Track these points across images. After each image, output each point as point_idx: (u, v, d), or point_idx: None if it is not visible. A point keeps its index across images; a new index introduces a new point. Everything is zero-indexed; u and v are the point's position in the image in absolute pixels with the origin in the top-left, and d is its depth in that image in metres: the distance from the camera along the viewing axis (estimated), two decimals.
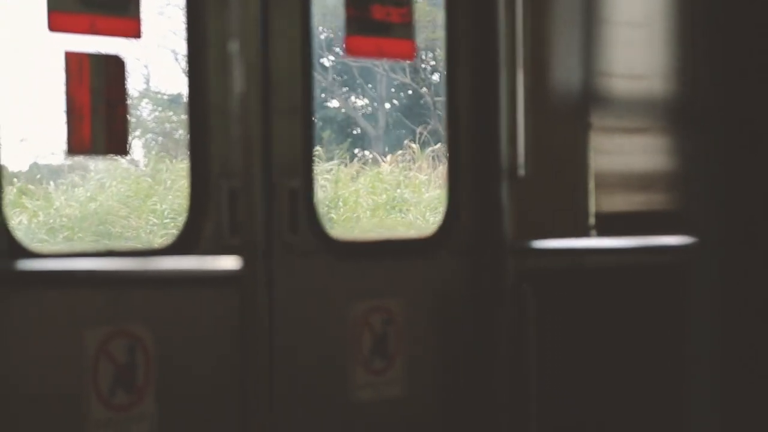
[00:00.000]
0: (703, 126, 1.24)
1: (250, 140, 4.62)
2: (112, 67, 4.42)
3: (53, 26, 4.29)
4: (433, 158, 18.42)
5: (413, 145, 18.94)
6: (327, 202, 16.96)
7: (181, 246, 4.68)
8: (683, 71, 1.25)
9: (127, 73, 4.46)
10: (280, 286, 4.82)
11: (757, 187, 1.23)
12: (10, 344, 4.25)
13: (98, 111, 4.36)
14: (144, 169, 17.23)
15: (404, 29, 5.27)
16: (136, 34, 4.50)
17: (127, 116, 4.49)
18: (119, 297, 4.49)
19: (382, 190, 17.92)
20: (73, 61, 4.33)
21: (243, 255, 4.42)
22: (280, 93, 4.83)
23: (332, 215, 16.93)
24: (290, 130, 4.87)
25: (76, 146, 4.35)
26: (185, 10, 4.76)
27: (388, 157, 19.15)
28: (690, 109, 1.25)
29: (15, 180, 15.65)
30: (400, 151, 19.20)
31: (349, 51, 5.28)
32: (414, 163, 18.90)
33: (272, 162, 4.80)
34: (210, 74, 4.69)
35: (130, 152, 4.56)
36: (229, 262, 4.41)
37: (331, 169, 18.14)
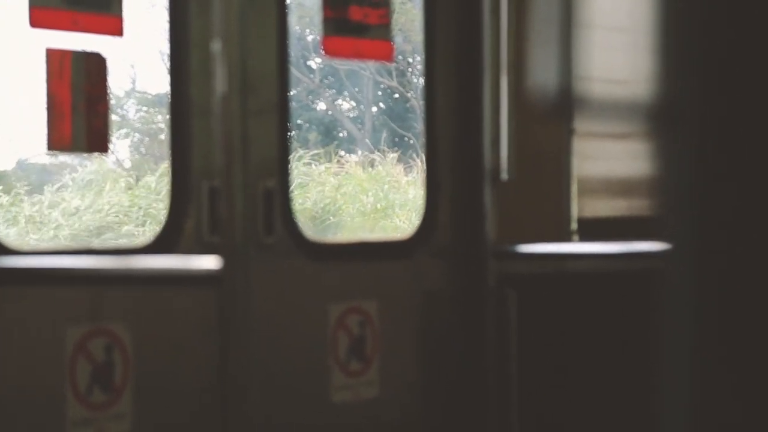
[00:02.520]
0: (679, 131, 1.24)
1: (231, 140, 4.62)
2: (94, 65, 4.41)
3: (34, 22, 4.27)
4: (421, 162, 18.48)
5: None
6: (322, 206, 16.95)
7: (161, 245, 4.67)
8: (663, 76, 1.25)
9: (108, 71, 4.45)
10: (257, 287, 4.81)
11: (733, 193, 1.22)
12: None
13: (79, 108, 4.34)
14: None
15: (382, 30, 5.27)
16: (119, 31, 4.48)
17: (109, 114, 4.48)
18: (98, 295, 4.48)
19: (368, 191, 17.94)
20: (55, 57, 4.31)
21: (222, 255, 4.41)
22: (257, 93, 4.82)
23: (331, 218, 16.91)
24: (267, 130, 4.86)
25: (56, 143, 4.34)
26: (168, 9, 4.75)
27: (388, 157, 19.16)
28: (667, 115, 1.25)
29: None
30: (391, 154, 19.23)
31: (327, 51, 5.29)
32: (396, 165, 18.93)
33: (250, 162, 4.79)
34: (192, 74, 4.69)
35: (111, 150, 4.54)
36: (209, 262, 4.40)
37: (319, 173, 18.15)
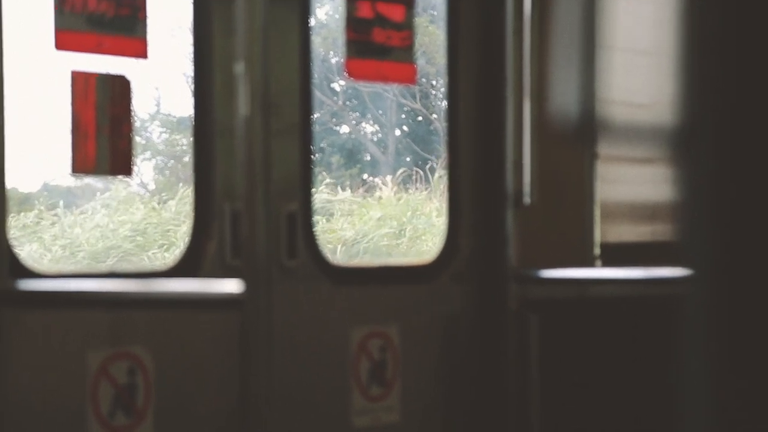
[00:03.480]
0: (699, 156, 1.24)
1: (253, 162, 4.63)
2: (118, 87, 4.43)
3: (60, 45, 4.30)
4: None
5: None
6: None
7: (184, 268, 4.68)
8: (684, 100, 1.25)
9: (132, 93, 4.46)
10: (279, 311, 4.81)
11: (754, 219, 1.22)
12: (11, 364, 4.24)
13: (103, 130, 4.36)
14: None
15: (404, 53, 5.28)
16: (143, 54, 4.50)
17: (133, 136, 4.49)
18: (121, 318, 4.49)
19: (393, 217, 17.91)
20: (80, 80, 4.33)
21: (244, 278, 4.41)
22: (280, 114, 4.83)
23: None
24: (289, 151, 4.87)
25: (80, 165, 4.35)
26: (192, 30, 4.77)
27: (390, 179, 19.14)
28: (688, 140, 1.25)
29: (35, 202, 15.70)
30: (401, 174, 19.20)
31: (350, 73, 5.30)
32: (423, 190, 18.90)
33: (272, 185, 4.80)
34: (216, 96, 4.70)
35: (134, 172, 4.56)
36: (231, 286, 4.40)
37: (343, 200, 18.14)
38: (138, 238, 15.22)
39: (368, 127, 23.29)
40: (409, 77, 5.50)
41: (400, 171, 19.25)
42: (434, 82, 22.44)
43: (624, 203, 5.94)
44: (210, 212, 4.69)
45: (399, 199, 18.36)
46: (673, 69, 1.25)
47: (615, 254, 5.78)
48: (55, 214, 15.58)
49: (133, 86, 4.48)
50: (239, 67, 4.57)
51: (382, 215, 17.53)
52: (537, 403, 5.36)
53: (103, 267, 13.73)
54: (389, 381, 5.23)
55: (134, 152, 4.54)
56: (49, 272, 4.58)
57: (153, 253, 15.13)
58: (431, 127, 22.84)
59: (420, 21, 19.07)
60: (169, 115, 20.19)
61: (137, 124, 19.15)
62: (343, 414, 5.09)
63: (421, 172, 19.40)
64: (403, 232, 17.40)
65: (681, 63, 1.24)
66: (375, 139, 23.13)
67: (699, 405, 1.26)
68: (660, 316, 4.93)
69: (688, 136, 1.25)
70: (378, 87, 21.39)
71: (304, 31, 4.97)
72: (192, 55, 4.81)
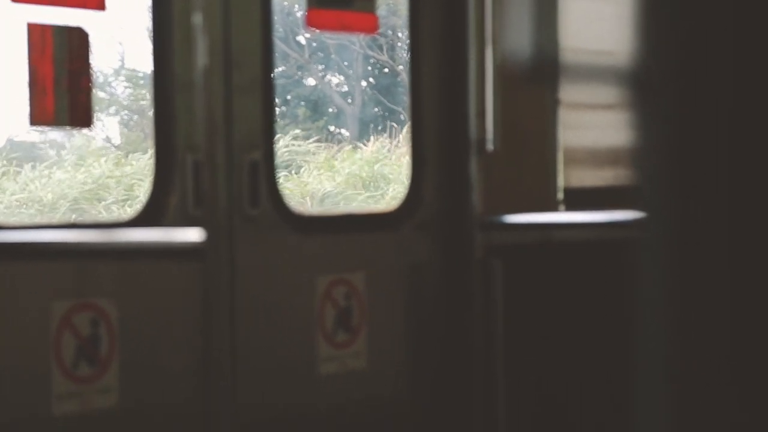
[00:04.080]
0: (656, 101, 1.25)
1: (214, 114, 4.62)
2: (76, 39, 4.40)
3: None
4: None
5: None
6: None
7: (146, 218, 4.67)
8: (643, 46, 1.26)
9: (91, 46, 4.44)
10: (242, 260, 4.82)
11: (711, 163, 1.23)
12: None
13: (61, 83, 4.34)
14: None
15: (366, 3, 5.27)
16: (101, 5, 4.47)
17: (92, 89, 4.47)
18: (83, 269, 4.48)
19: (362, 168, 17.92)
20: (36, 32, 4.30)
21: (206, 228, 4.42)
22: (241, 67, 4.81)
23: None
24: (251, 104, 4.86)
25: (38, 117, 4.33)
26: None
27: (369, 143, 19.14)
28: (646, 85, 1.26)
29: None
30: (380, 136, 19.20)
31: (311, 24, 5.28)
32: (391, 141, 18.90)
33: (234, 136, 4.79)
34: (175, 49, 4.68)
35: (93, 124, 4.54)
36: (193, 234, 4.41)
37: (312, 152, 18.11)
38: (100, 192, 15.19)
39: (334, 80, 23.23)
40: (370, 27, 5.49)
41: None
42: (401, 34, 22.39)
43: (586, 149, 5.96)
44: (172, 163, 4.68)
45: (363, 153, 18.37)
46: (633, 15, 1.26)
47: (578, 199, 5.80)
48: (18, 169, 15.53)
49: (92, 39, 4.45)
50: (197, 19, 4.56)
51: (349, 171, 17.54)
52: (502, 348, 5.39)
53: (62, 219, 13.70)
54: (355, 328, 5.25)
55: (93, 105, 4.52)
56: (10, 224, 4.57)
57: (107, 206, 15.11)
58: (398, 79, 22.82)
59: None
60: (134, 70, 20.10)
61: (101, 79, 19.04)
62: (309, 361, 5.11)
63: (394, 124, 19.39)
64: (371, 185, 17.42)
65: (640, 8, 1.25)
66: (341, 91, 23.08)
67: (655, 347, 1.27)
68: (620, 259, 4.96)
69: (645, 82, 1.26)
70: (344, 39, 21.32)
71: None
72: (150, 7, 4.77)
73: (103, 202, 15.12)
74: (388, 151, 18.74)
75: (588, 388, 5.71)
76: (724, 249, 1.23)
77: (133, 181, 15.42)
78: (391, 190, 17.09)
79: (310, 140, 18.64)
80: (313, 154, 18.29)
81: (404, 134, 18.61)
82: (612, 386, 5.54)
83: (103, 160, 15.98)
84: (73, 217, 14.59)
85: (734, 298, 1.24)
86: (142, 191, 14.90)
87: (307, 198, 16.62)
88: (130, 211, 14.40)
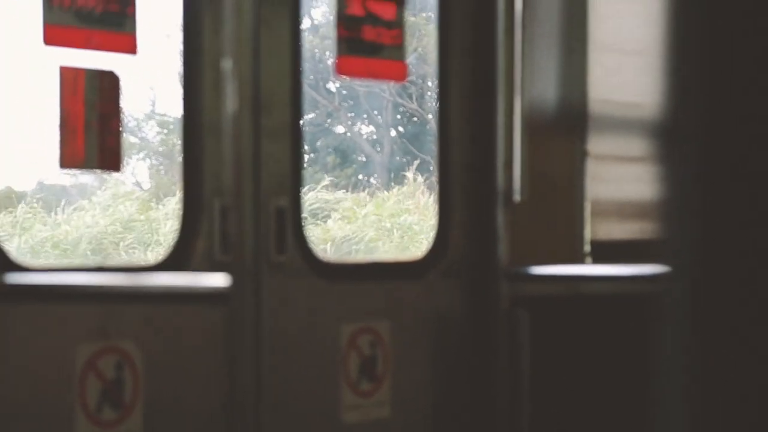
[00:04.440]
0: (683, 154, 1.25)
1: (242, 159, 4.64)
2: (107, 83, 4.43)
3: (48, 40, 4.30)
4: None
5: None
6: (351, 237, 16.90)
7: (172, 263, 4.68)
8: (669, 99, 1.26)
9: (122, 89, 4.47)
10: (268, 306, 4.81)
11: (735, 216, 1.23)
12: None
13: (92, 125, 4.36)
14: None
15: (395, 51, 5.30)
16: (132, 49, 4.51)
17: (121, 132, 4.50)
18: (109, 313, 4.49)
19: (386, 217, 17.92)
20: (68, 75, 4.34)
21: (232, 273, 4.42)
22: (270, 112, 4.84)
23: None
24: (279, 148, 4.88)
25: (68, 160, 4.36)
26: (182, 28, 4.78)
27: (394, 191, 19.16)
28: (672, 138, 1.26)
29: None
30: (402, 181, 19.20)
31: (340, 71, 5.31)
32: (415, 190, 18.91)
33: (261, 181, 4.80)
34: (204, 93, 4.71)
35: (123, 168, 4.56)
36: (218, 279, 4.41)
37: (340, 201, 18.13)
38: (124, 234, 15.28)
39: (364, 128, 23.29)
40: (399, 75, 5.51)
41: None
42: (431, 83, 22.45)
43: (613, 201, 5.95)
44: (198, 207, 4.70)
45: (388, 199, 18.37)
46: (660, 67, 1.26)
47: (605, 251, 5.79)
48: (54, 212, 15.62)
49: (123, 82, 4.48)
50: (227, 64, 4.58)
51: (368, 213, 17.53)
52: (528, 400, 5.37)
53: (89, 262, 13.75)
54: (379, 376, 5.24)
55: (123, 148, 4.55)
56: (38, 266, 4.59)
57: (131, 249, 15.17)
58: (427, 127, 22.86)
59: (418, 21, 19.08)
60: (165, 115, 20.21)
61: (132, 123, 19.16)
62: (332, 410, 5.09)
63: (418, 174, 19.40)
64: (393, 231, 17.41)
65: (667, 61, 1.25)
66: (370, 139, 23.13)
67: (675, 401, 1.27)
68: (645, 312, 4.93)
69: (672, 135, 1.26)
70: (374, 86, 21.39)
71: (295, 29, 4.97)
72: (181, 52, 4.81)
73: (122, 243, 15.19)
74: (411, 198, 18.75)
75: None
76: (749, 304, 1.23)
77: (158, 226, 15.49)
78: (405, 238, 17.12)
79: (339, 189, 18.68)
80: (339, 202, 18.32)
81: (425, 182, 18.64)
82: None
83: (128, 203, 16.06)
84: (97, 259, 14.64)
85: (760, 355, 1.23)
86: (162, 235, 14.96)
87: (328, 244, 16.63)
88: (152, 254, 14.44)
